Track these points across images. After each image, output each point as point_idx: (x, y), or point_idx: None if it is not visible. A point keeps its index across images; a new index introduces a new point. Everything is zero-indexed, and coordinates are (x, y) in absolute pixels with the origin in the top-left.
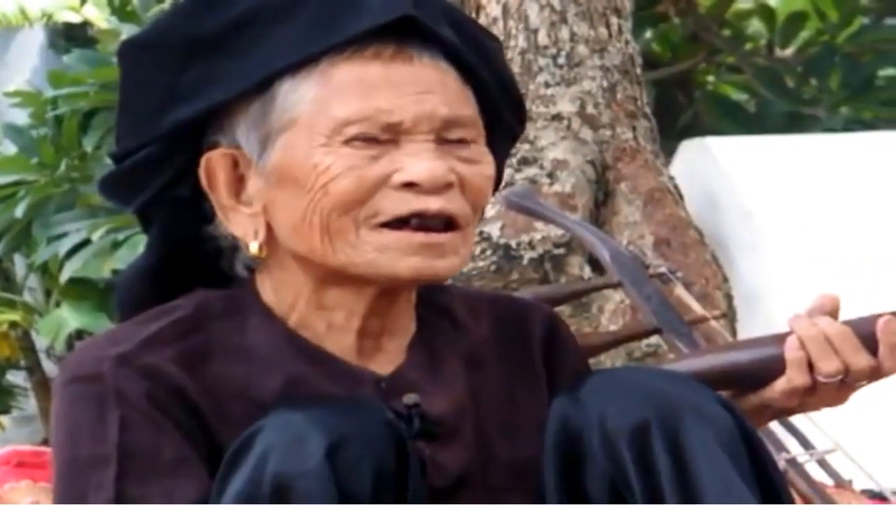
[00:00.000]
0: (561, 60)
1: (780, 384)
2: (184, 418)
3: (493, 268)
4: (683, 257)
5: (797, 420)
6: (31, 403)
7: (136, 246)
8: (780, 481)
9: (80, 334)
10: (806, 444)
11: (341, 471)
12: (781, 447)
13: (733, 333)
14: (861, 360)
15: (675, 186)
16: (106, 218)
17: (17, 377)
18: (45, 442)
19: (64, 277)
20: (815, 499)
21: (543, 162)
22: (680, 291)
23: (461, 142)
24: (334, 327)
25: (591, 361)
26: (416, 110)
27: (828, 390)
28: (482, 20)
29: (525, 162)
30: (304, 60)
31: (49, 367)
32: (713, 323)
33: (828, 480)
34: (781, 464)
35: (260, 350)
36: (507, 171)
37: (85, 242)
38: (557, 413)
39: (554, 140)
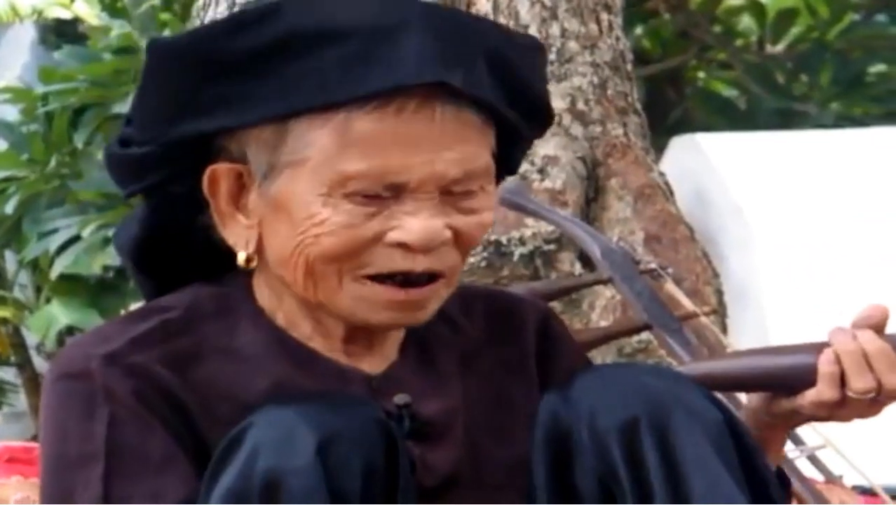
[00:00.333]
0: (551, 57)
1: (810, 395)
2: (171, 417)
3: (483, 264)
4: (674, 253)
5: None
6: (21, 400)
7: None
8: (770, 477)
9: (70, 330)
10: (796, 440)
11: (332, 467)
12: None
13: (723, 328)
14: (894, 379)
15: (666, 183)
16: (96, 214)
17: (7, 374)
18: (35, 438)
19: (54, 273)
20: (805, 495)
21: (534, 158)
22: (670, 286)
23: (467, 193)
24: (319, 331)
25: None
26: (425, 172)
27: (859, 405)
28: None
29: None
30: (323, 105)
31: (39, 363)
32: (703, 319)
33: (818, 476)
34: None
35: (249, 351)
36: None
37: (75, 238)
38: (547, 410)
39: (544, 136)
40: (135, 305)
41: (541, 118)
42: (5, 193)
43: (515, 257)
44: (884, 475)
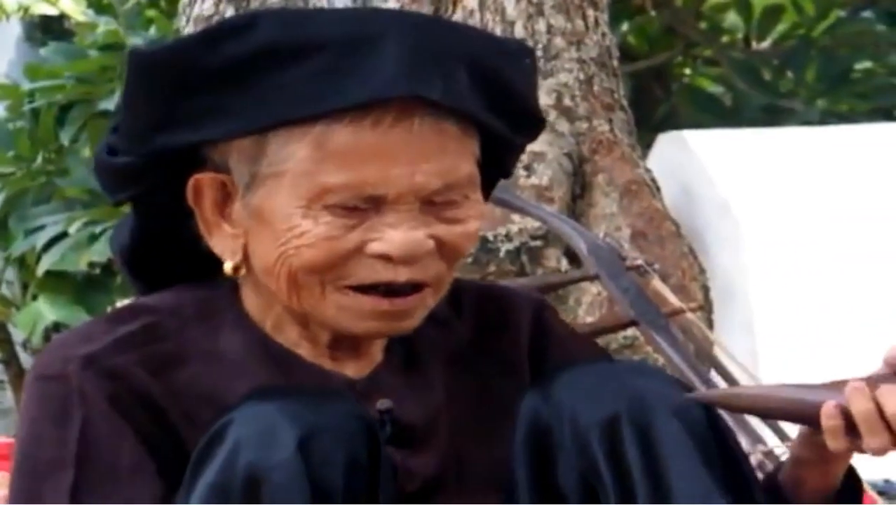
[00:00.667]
0: (538, 53)
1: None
2: (146, 423)
3: (469, 260)
4: (660, 250)
5: None
6: (7, 396)
7: None
8: (750, 473)
9: (57, 327)
10: (782, 435)
11: (314, 462)
12: (758, 439)
13: (710, 325)
14: None
15: (652, 179)
16: (83, 211)
17: None
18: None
19: (41, 269)
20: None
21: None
22: (657, 283)
23: (449, 203)
24: (306, 336)
25: None
26: (404, 185)
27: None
28: (459, 13)
29: None
30: (301, 118)
31: (26, 359)
32: (690, 315)
33: None
34: (758, 456)
35: (231, 355)
36: None
37: (62, 235)
38: (528, 409)
39: None
40: (121, 302)
41: (530, 124)
42: None
43: (502, 253)
44: (870, 471)
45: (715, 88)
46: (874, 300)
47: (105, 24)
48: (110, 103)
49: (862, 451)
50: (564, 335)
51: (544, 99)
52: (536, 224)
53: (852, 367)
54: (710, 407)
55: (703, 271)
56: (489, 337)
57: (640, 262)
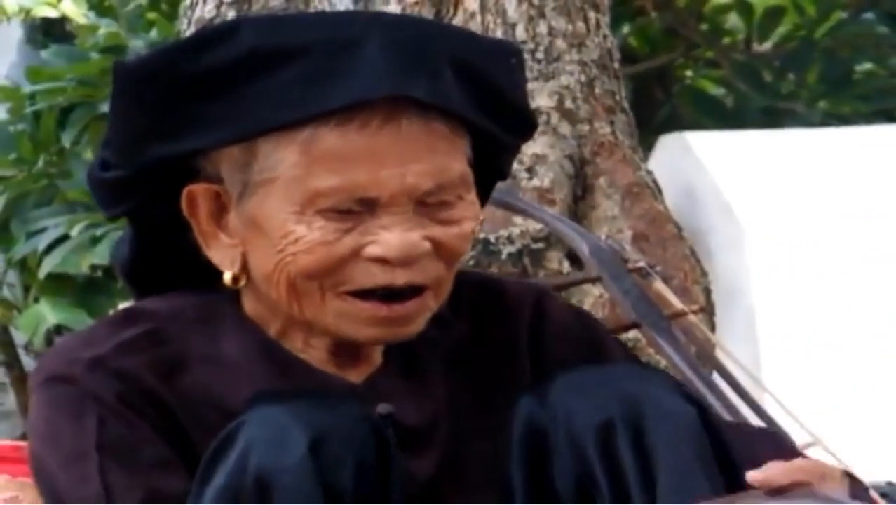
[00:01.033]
0: (539, 55)
1: None
2: (159, 422)
3: (471, 263)
4: (662, 252)
5: (776, 414)
6: (9, 399)
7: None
8: (743, 474)
9: (58, 330)
10: None
11: (324, 465)
12: None
13: (712, 327)
14: None
15: (654, 181)
16: (84, 213)
17: None
18: (23, 437)
19: (42, 272)
20: None
21: (522, 157)
22: (659, 285)
23: (443, 203)
24: (310, 342)
25: None
26: (396, 186)
27: None
28: (460, 15)
29: None
30: (288, 123)
31: (28, 362)
32: (692, 317)
33: None
34: None
35: (232, 359)
36: None
37: (63, 238)
38: (523, 412)
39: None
40: (123, 305)
41: (520, 124)
42: None
43: (503, 256)
44: (873, 473)
45: (716, 90)
46: (876, 302)
47: (106, 27)
48: None
49: None
50: (567, 325)
51: (545, 101)
52: (538, 226)
53: (854, 368)
54: (706, 410)
55: (704, 273)
56: (488, 331)
57: (642, 264)
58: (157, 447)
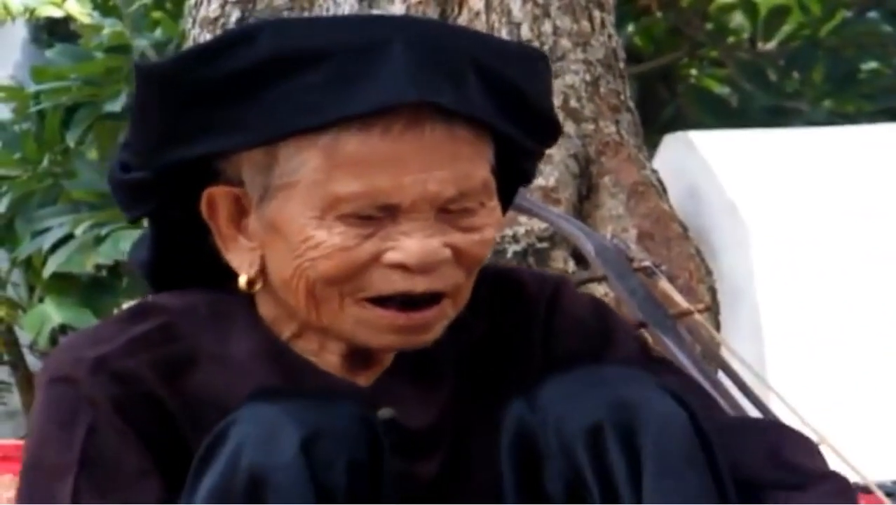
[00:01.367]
0: None
1: None
2: (154, 427)
3: None
4: (667, 251)
5: (782, 413)
6: (14, 399)
7: (119, 241)
8: (728, 480)
9: (63, 329)
10: None
11: (316, 463)
12: None
13: (717, 326)
14: None
15: (659, 180)
16: (89, 213)
17: (0, 372)
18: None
19: (47, 271)
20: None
21: None
22: (664, 284)
23: (465, 210)
24: (324, 346)
25: None
26: (418, 192)
27: None
28: (465, 15)
29: None
30: (311, 127)
31: (32, 362)
32: (697, 316)
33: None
34: None
35: (239, 361)
36: None
37: (68, 237)
38: (513, 415)
39: None
40: (128, 304)
41: (544, 129)
42: None
43: (509, 255)
44: (879, 473)
45: (721, 89)
46: (881, 300)
47: (111, 26)
48: (116, 105)
49: None
50: (579, 318)
51: None
52: (543, 225)
53: (859, 366)
54: (695, 414)
55: (709, 272)
56: (504, 328)
57: (647, 263)
58: (139, 461)
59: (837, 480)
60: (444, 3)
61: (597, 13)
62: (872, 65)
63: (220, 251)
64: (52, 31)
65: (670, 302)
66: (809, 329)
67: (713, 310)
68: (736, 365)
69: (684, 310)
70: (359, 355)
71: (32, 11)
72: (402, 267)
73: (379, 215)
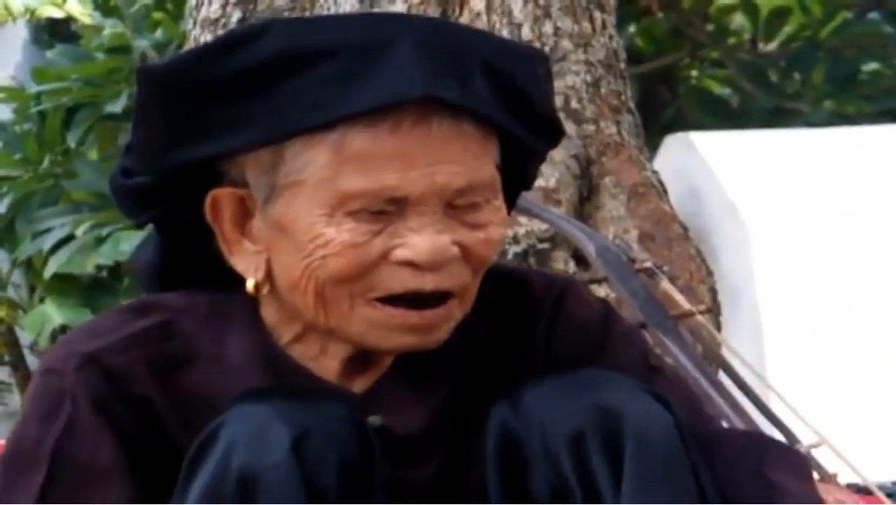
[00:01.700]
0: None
1: None
2: (136, 427)
3: None
4: (668, 252)
5: (783, 414)
6: (14, 399)
7: (120, 241)
8: (712, 485)
9: (64, 330)
10: (792, 438)
11: (307, 463)
12: None
13: (718, 327)
14: None
15: (660, 181)
16: (90, 213)
17: (1, 373)
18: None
19: (48, 272)
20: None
21: None
22: (666, 285)
23: (472, 206)
24: (325, 350)
25: None
26: (425, 185)
27: None
28: (466, 15)
29: None
30: (318, 124)
31: (33, 362)
32: (699, 317)
33: (814, 475)
34: None
35: (233, 362)
36: None
37: (69, 238)
38: (497, 420)
39: None
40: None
41: (548, 130)
42: None
43: (509, 256)
44: (879, 473)
45: (722, 90)
46: (881, 301)
47: (111, 27)
48: (117, 106)
49: None
50: (582, 321)
51: None
52: (544, 226)
53: (859, 367)
54: (678, 417)
55: (710, 273)
56: (508, 329)
57: (649, 264)
58: (112, 461)
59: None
60: (445, 4)
61: (598, 14)
62: (873, 66)
63: (224, 255)
64: (52, 32)
65: (671, 303)
66: (809, 329)
67: (714, 311)
68: (736, 365)
69: (685, 311)
70: (359, 360)
71: (33, 12)
72: (411, 264)
73: (388, 209)
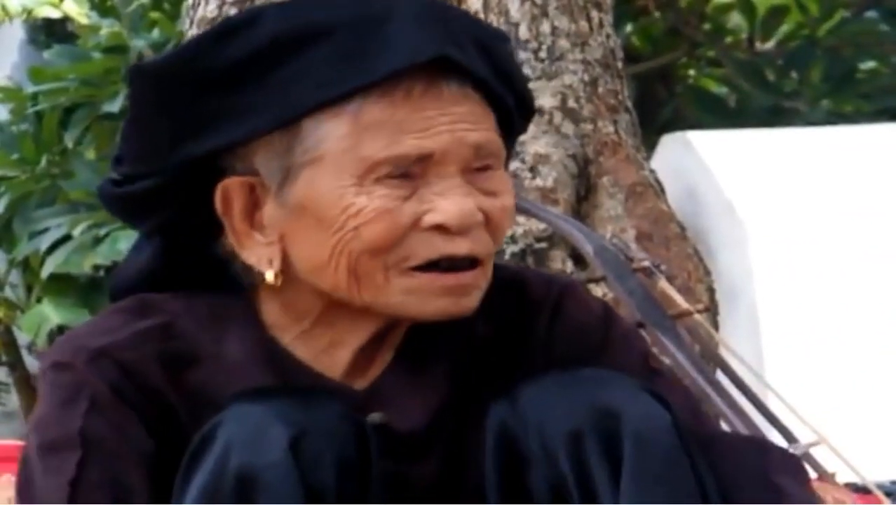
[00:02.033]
0: (542, 54)
1: None
2: (152, 417)
3: None
4: (665, 251)
5: (781, 413)
6: (12, 399)
7: (118, 241)
8: (711, 485)
9: (61, 330)
10: (790, 437)
11: (305, 461)
12: None
13: (716, 326)
14: None
15: (657, 180)
16: (87, 213)
17: None
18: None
19: (45, 272)
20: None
21: (525, 156)
22: (664, 284)
23: (486, 169)
24: (335, 343)
25: None
26: (447, 140)
27: None
28: None
29: None
30: (332, 99)
31: (31, 362)
32: (696, 316)
33: (811, 474)
34: None
35: (235, 361)
36: None
37: (66, 238)
38: (496, 418)
39: (535, 134)
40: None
41: (526, 108)
42: None
43: (507, 255)
44: (878, 473)
45: (719, 89)
46: (879, 300)
47: (108, 27)
48: (114, 106)
49: None
50: (582, 323)
51: (548, 100)
52: (541, 226)
53: (857, 366)
54: (678, 416)
55: (708, 272)
56: (507, 330)
57: (647, 263)
58: (139, 441)
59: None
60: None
61: (595, 13)
62: (871, 64)
63: (235, 250)
64: (49, 32)
65: (669, 302)
66: (807, 328)
67: (712, 310)
68: (734, 364)
69: (683, 310)
70: (363, 358)
71: (30, 12)
72: (441, 229)
73: (414, 171)
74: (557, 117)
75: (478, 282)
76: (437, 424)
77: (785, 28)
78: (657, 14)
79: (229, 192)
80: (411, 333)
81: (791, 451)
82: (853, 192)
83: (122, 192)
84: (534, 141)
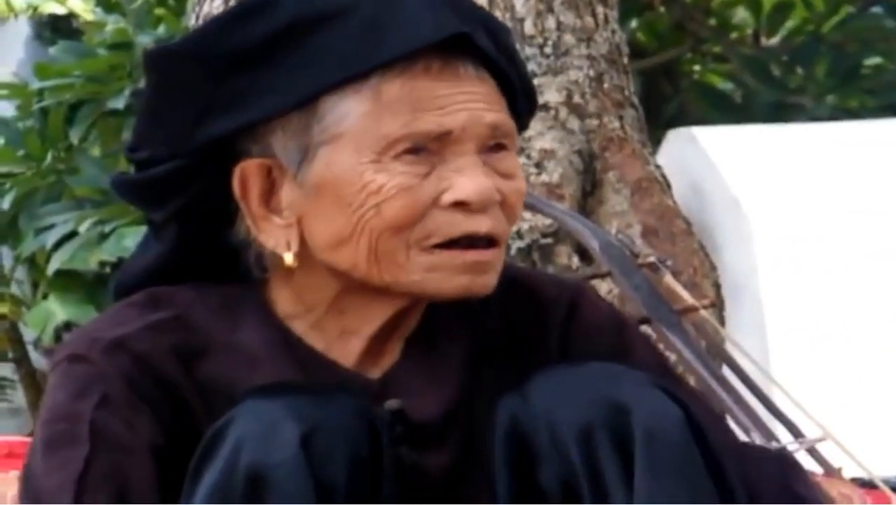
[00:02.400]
0: (547, 50)
1: None
2: (166, 409)
3: None
4: (671, 247)
5: (787, 408)
6: (18, 395)
7: (123, 237)
8: (733, 480)
9: (67, 326)
10: (796, 432)
11: (316, 459)
12: (771, 436)
13: (721, 321)
14: None
15: (663, 175)
16: (93, 210)
17: (4, 369)
18: (33, 434)
19: (51, 268)
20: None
21: (531, 152)
22: (669, 280)
23: (500, 148)
24: (348, 331)
25: None
26: (465, 118)
27: None
28: None
29: None
30: (353, 76)
31: (37, 359)
32: (702, 312)
33: (817, 469)
34: None
35: (250, 351)
36: None
37: (72, 234)
38: (505, 412)
39: (541, 130)
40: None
41: (530, 101)
42: (1, 189)
43: (513, 251)
44: (884, 468)
45: (724, 85)
46: (885, 296)
47: (114, 23)
48: (119, 102)
49: None
50: (597, 325)
51: (554, 96)
52: (547, 221)
53: (862, 361)
54: (690, 410)
55: (713, 268)
56: (517, 327)
57: (652, 259)
58: (148, 436)
59: None
60: None
61: (600, 9)
62: (876, 60)
63: (252, 232)
64: (55, 28)
65: (675, 298)
66: (813, 324)
67: (717, 305)
68: (740, 360)
69: (689, 306)
70: (376, 345)
71: (35, 8)
72: (461, 206)
73: (431, 148)
74: (563, 113)
75: (496, 261)
76: (450, 416)
77: (790, 24)
78: (662, 9)
79: (247, 175)
80: (422, 324)
81: (797, 446)
82: (859, 187)
83: (139, 179)
84: (539, 137)
